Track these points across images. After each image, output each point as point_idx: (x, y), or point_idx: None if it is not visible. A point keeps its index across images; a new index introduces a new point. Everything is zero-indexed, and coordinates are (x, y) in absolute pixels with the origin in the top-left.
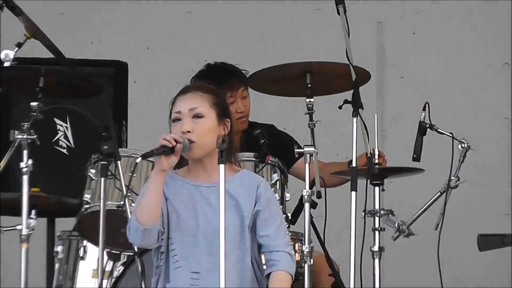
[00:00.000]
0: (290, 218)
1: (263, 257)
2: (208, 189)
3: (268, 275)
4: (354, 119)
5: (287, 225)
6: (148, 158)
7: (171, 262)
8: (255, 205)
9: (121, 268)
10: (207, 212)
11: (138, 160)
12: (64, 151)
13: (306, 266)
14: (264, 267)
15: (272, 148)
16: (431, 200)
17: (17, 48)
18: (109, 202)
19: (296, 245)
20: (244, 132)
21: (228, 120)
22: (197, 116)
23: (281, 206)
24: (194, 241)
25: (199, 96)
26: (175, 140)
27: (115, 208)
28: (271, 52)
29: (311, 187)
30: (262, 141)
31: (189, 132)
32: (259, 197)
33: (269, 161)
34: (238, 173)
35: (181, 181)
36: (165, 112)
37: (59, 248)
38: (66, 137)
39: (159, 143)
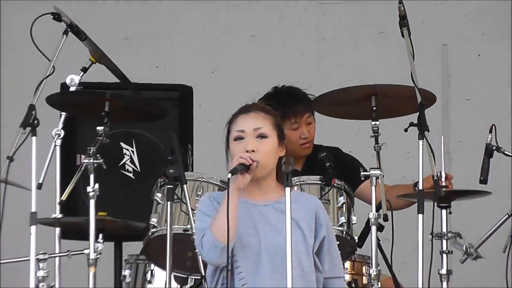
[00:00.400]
0: (357, 241)
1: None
2: (265, 208)
3: None
4: (420, 142)
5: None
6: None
7: (237, 280)
8: (316, 229)
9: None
10: (267, 231)
11: (229, 175)
12: (131, 175)
13: None
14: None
15: (338, 171)
16: (499, 223)
17: (82, 73)
18: (176, 226)
19: (363, 268)
20: (309, 156)
21: (285, 141)
22: (261, 136)
23: (348, 229)
24: (257, 259)
25: (262, 116)
26: (251, 159)
27: (182, 232)
28: (335, 76)
29: (377, 210)
30: (328, 164)
31: (253, 151)
32: (321, 223)
33: (335, 184)
34: (292, 193)
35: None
36: None
37: (126, 272)
38: (132, 161)
39: (237, 161)
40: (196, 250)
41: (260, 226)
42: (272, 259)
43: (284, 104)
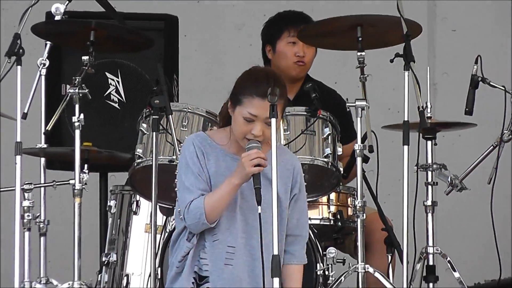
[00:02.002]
0: (342, 173)
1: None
2: None
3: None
4: (406, 73)
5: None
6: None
7: (210, 235)
8: (291, 189)
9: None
10: (244, 189)
11: (259, 210)
12: (116, 105)
13: (358, 220)
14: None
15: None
16: (484, 154)
17: (67, 2)
18: (161, 157)
19: (349, 200)
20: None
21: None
22: (269, 124)
23: (333, 161)
24: (233, 217)
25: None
26: (262, 158)
27: (167, 163)
28: (321, 6)
29: (363, 142)
30: (314, 95)
31: (259, 136)
32: (295, 183)
33: (320, 115)
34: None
35: (220, 151)
36: (216, 66)
37: (112, 203)
38: (117, 91)
39: (252, 171)
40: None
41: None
42: (245, 218)
43: (288, 18)
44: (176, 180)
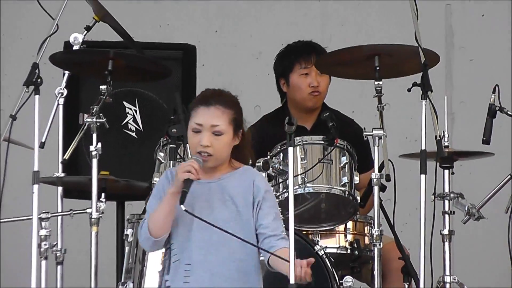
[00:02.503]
0: (359, 201)
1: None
2: (208, 185)
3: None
4: (423, 102)
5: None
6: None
7: (172, 255)
8: (253, 200)
9: None
10: (202, 208)
11: (182, 207)
12: (133, 134)
13: (375, 249)
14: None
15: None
16: (501, 183)
17: (86, 32)
18: None
19: (366, 228)
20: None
21: (241, 130)
22: (217, 133)
23: (350, 190)
24: (188, 235)
25: (221, 112)
26: (194, 167)
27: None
28: (339, 35)
29: (380, 170)
30: (331, 124)
31: (207, 146)
32: (257, 191)
33: (337, 144)
34: (239, 170)
35: None
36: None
37: (128, 232)
38: (135, 120)
39: (183, 176)
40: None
41: (196, 203)
42: (201, 236)
43: (297, 50)
44: None
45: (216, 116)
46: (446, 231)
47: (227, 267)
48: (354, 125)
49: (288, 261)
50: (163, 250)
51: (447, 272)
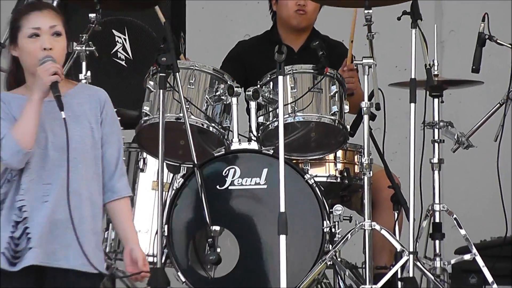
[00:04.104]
0: (349, 130)
1: None
2: (51, 104)
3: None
4: (413, 31)
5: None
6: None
7: (25, 175)
8: (101, 116)
9: (181, 180)
10: (54, 126)
11: (63, 114)
12: (123, 63)
13: (365, 178)
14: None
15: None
16: (491, 112)
17: None
18: (168, 114)
19: (355, 157)
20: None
21: None
22: (57, 34)
23: (340, 119)
24: (44, 154)
25: (55, 14)
26: (58, 68)
27: (174, 120)
28: None
29: (370, 99)
30: (321, 52)
31: (50, 49)
32: (104, 109)
33: (327, 73)
34: (78, 86)
35: (23, 99)
36: (223, 24)
37: None
38: (124, 49)
39: (49, 80)
40: None
41: (46, 122)
42: (59, 155)
43: None
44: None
45: (52, 18)
46: (435, 160)
47: (85, 185)
48: (342, 48)
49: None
50: None
51: (437, 201)
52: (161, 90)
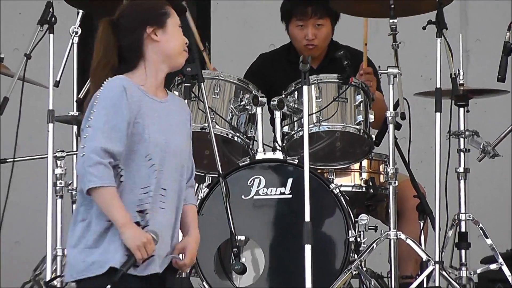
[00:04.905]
0: (374, 140)
1: None
2: (163, 104)
3: None
4: (438, 40)
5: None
6: None
7: (148, 166)
8: (189, 128)
9: (206, 190)
10: (168, 131)
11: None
12: None
13: (391, 187)
14: None
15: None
16: None
17: None
18: (193, 124)
19: (381, 166)
20: (327, 54)
21: None
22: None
23: (365, 128)
24: (163, 155)
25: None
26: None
27: (199, 130)
28: None
29: (395, 109)
30: (346, 62)
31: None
32: (190, 122)
33: (352, 83)
34: (170, 95)
35: (145, 96)
36: (247, 34)
37: None
38: None
39: (137, 255)
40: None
41: (164, 122)
42: (178, 161)
43: (295, 5)
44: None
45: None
46: (461, 169)
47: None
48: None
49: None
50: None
51: (462, 210)
52: (186, 100)
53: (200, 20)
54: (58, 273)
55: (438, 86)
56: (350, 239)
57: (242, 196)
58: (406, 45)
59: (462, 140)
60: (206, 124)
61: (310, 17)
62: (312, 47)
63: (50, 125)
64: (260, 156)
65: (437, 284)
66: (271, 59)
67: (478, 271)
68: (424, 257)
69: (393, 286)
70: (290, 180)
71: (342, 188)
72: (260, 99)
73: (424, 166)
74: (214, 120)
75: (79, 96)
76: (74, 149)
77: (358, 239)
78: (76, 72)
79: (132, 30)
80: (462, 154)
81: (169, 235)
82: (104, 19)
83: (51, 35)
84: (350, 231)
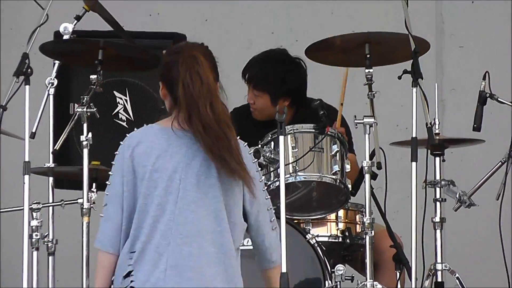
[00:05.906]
0: (351, 190)
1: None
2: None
3: None
4: (414, 89)
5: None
6: None
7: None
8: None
9: None
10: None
11: None
12: (124, 124)
13: (367, 237)
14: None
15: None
16: (492, 170)
17: (75, 21)
18: None
19: (357, 216)
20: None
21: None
22: None
23: (341, 178)
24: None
25: None
26: None
27: None
28: (329, 23)
29: (371, 158)
30: (322, 112)
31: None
32: None
33: (328, 132)
34: None
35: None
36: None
37: None
38: (125, 110)
39: None
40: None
41: None
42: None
43: (245, 67)
44: None
45: None
46: (437, 219)
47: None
48: (334, 113)
49: None
50: None
51: (439, 260)
52: None
53: None
54: None
55: (414, 136)
56: None
57: None
58: (382, 95)
59: (438, 189)
60: None
61: (249, 84)
62: (253, 110)
63: (26, 176)
64: None
65: None
66: (242, 115)
67: None
68: None
69: None
70: None
71: (318, 239)
72: None
73: (400, 215)
74: None
75: (55, 148)
76: (50, 200)
77: None
78: (52, 123)
79: None
80: (438, 203)
81: None
82: None
83: (27, 86)
84: (327, 282)
